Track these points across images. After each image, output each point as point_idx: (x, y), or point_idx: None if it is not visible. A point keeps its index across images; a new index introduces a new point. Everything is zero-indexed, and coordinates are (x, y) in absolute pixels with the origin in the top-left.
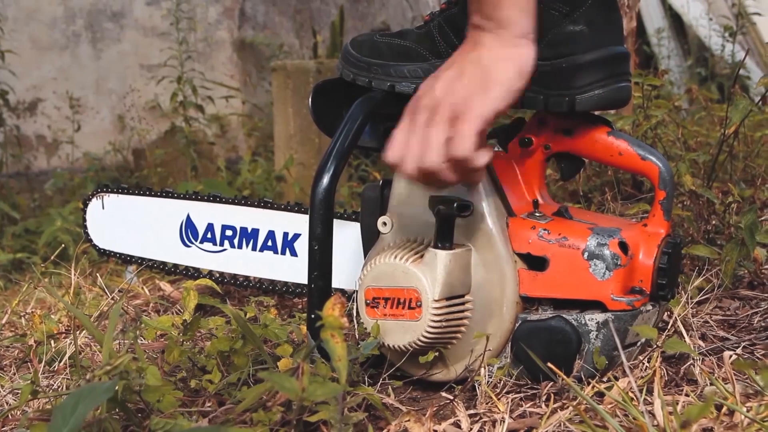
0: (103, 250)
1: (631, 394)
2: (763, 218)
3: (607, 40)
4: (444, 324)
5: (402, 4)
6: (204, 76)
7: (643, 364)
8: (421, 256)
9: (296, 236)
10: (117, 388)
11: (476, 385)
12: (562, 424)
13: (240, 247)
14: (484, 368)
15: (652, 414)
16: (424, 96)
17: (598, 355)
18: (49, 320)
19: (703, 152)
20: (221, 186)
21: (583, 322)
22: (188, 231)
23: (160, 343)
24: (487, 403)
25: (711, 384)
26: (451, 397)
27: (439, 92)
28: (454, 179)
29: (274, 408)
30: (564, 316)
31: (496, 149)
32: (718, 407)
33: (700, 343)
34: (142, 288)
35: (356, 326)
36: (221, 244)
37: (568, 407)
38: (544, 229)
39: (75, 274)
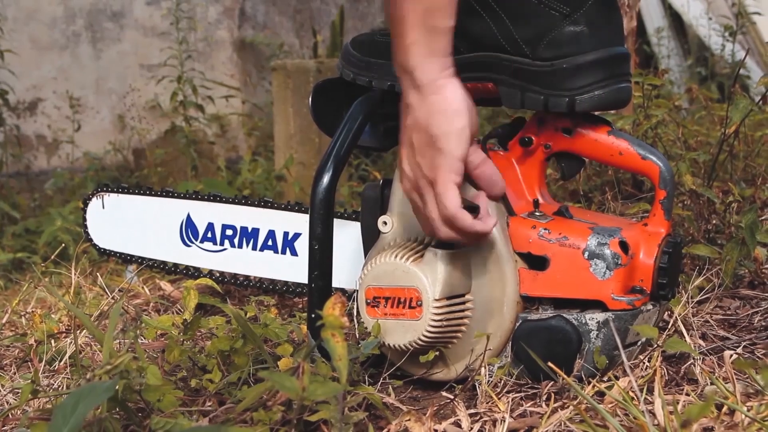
0: (104, 249)
1: (631, 394)
2: (763, 218)
3: (607, 41)
4: (444, 323)
5: None
6: (204, 75)
7: (644, 363)
8: (422, 256)
9: (296, 236)
10: (117, 387)
11: (477, 385)
12: (562, 423)
13: (240, 246)
14: (485, 368)
15: (652, 413)
16: (404, 182)
17: (598, 354)
18: (49, 320)
19: (704, 152)
20: (221, 186)
21: (583, 321)
22: (188, 230)
23: (160, 343)
24: (487, 403)
25: (711, 383)
26: (452, 397)
27: (410, 173)
28: (466, 242)
29: (274, 407)
30: (564, 315)
31: (496, 148)
32: (719, 407)
33: (701, 342)
34: (143, 287)
35: (356, 326)
36: (221, 244)
37: (568, 407)
38: (545, 229)
39: (75, 274)
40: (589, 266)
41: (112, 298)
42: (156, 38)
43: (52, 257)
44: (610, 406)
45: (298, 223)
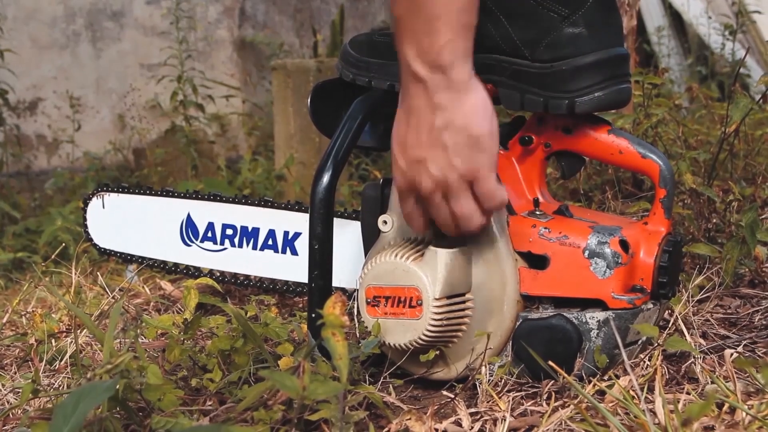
0: (104, 249)
1: (632, 393)
2: (763, 216)
3: (606, 42)
4: (445, 322)
5: None
6: (204, 75)
7: (644, 362)
8: (422, 255)
9: (297, 235)
10: (118, 387)
11: (477, 384)
12: (563, 422)
13: (240, 246)
14: (485, 367)
15: (653, 412)
16: (419, 183)
17: (599, 353)
18: (49, 319)
19: (704, 150)
20: (221, 185)
21: (584, 320)
22: (189, 230)
23: (160, 342)
24: (488, 402)
25: (712, 382)
26: (452, 396)
27: (439, 173)
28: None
29: (275, 407)
30: (565, 314)
31: None
32: (720, 405)
33: (701, 341)
34: (143, 287)
35: (357, 325)
36: (222, 243)
37: (569, 405)
38: (545, 228)
39: (75, 273)
40: (590, 265)
41: (113, 297)
42: (156, 38)
43: (53, 257)
44: (610, 404)
45: (299, 222)
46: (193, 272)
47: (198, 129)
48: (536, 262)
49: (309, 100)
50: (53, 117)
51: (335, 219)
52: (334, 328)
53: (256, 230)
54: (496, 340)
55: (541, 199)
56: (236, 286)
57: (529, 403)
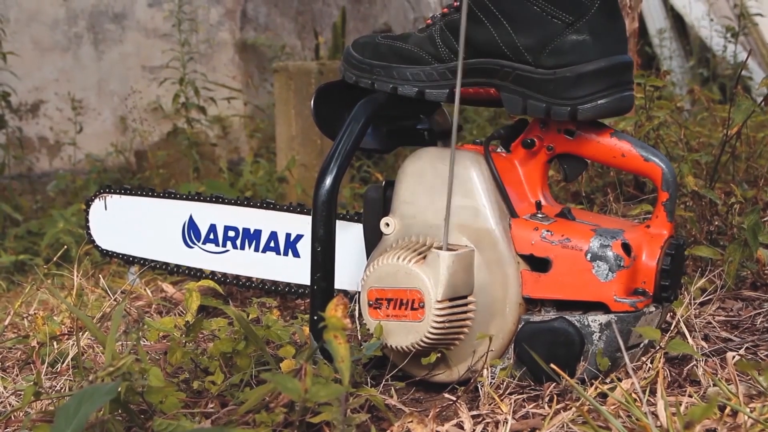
0: (106, 251)
1: (634, 395)
2: (765, 219)
3: (610, 49)
4: (447, 325)
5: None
6: (206, 77)
7: (646, 365)
8: (424, 257)
9: (299, 237)
10: (120, 389)
11: (479, 386)
12: (565, 425)
13: (242, 248)
14: (487, 369)
15: (655, 415)
16: None
17: (601, 356)
18: (51, 322)
19: (706, 153)
20: (223, 187)
21: (586, 323)
22: (191, 232)
23: (162, 345)
24: (489, 404)
25: (714, 385)
26: (454, 398)
27: None
28: None
29: (276, 409)
30: (567, 317)
31: (498, 150)
32: (722, 408)
33: (703, 344)
34: (145, 289)
35: (359, 327)
36: (224, 245)
37: (571, 408)
38: (547, 231)
39: (77, 276)
40: (592, 268)
41: (115, 300)
42: (158, 40)
43: (55, 259)
44: (612, 407)
45: (301, 224)
46: (195, 274)
47: (200, 131)
48: (538, 264)
49: (312, 102)
50: (55, 119)
51: (337, 221)
52: (336, 330)
53: (258, 232)
54: (498, 343)
55: (543, 202)
56: (238, 289)
57: (531, 406)
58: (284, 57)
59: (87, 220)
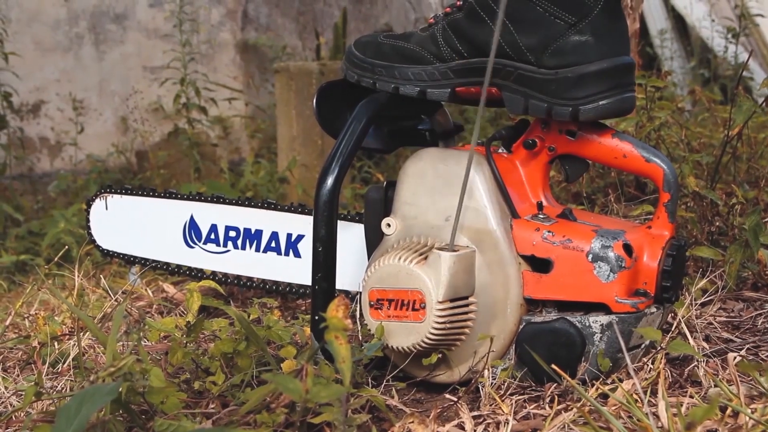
0: (107, 250)
1: (635, 396)
2: (767, 220)
3: (612, 51)
4: (448, 326)
5: (405, 6)
6: (207, 77)
7: (647, 365)
8: (425, 258)
9: (300, 237)
10: (121, 389)
11: (480, 387)
12: (566, 425)
13: (243, 248)
14: (488, 370)
15: (656, 416)
16: None
17: (602, 357)
18: (52, 322)
19: (707, 153)
20: (224, 188)
21: (587, 324)
22: (192, 232)
23: (163, 345)
24: (490, 405)
25: (715, 386)
26: (455, 399)
27: None
28: None
29: (277, 409)
30: (568, 318)
31: (500, 151)
32: (723, 409)
33: (704, 344)
34: (146, 290)
35: (360, 328)
36: (225, 245)
37: (572, 409)
38: (548, 231)
39: (78, 276)
40: (593, 269)
41: (116, 300)
42: (159, 40)
43: (56, 259)
44: (613, 408)
45: (302, 224)
46: (196, 274)
47: (201, 132)
48: (540, 265)
49: (314, 101)
50: (56, 119)
51: (338, 222)
52: (337, 331)
53: (259, 232)
54: (499, 344)
55: (544, 203)
56: (239, 289)
57: (532, 407)
58: (285, 57)
59: (88, 220)
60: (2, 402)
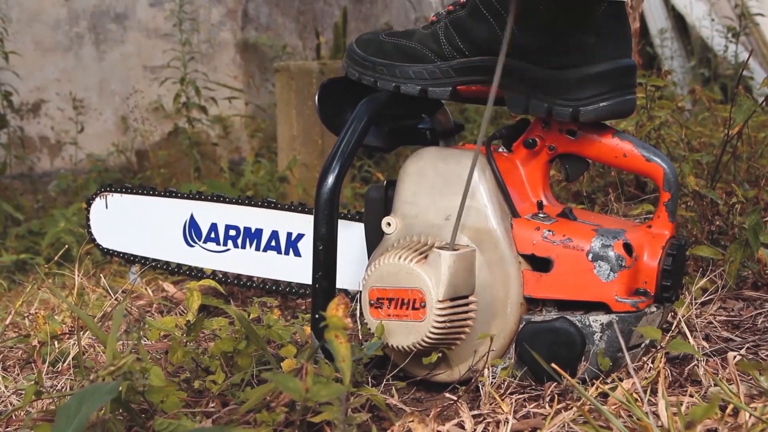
0: (107, 249)
1: (635, 395)
2: (767, 219)
3: (615, 53)
4: (448, 325)
5: (405, 6)
6: (207, 77)
7: (647, 365)
8: (426, 257)
9: (300, 236)
10: (121, 388)
11: (480, 386)
12: (565, 424)
13: (243, 247)
14: (488, 369)
15: (656, 415)
16: None
17: (602, 356)
18: (52, 321)
19: (707, 153)
20: (224, 187)
21: (587, 323)
22: (192, 231)
23: (163, 344)
24: (490, 404)
25: (715, 385)
26: (455, 398)
27: None
28: None
29: (277, 409)
30: (568, 317)
31: (500, 150)
32: (723, 408)
33: (704, 344)
34: (146, 289)
35: (360, 327)
36: (225, 244)
37: (572, 408)
38: (549, 230)
39: (78, 275)
40: (593, 268)
41: (116, 299)
42: (159, 40)
43: (56, 258)
44: (613, 407)
45: (302, 223)
46: (196, 273)
47: (201, 131)
48: (540, 264)
49: (316, 98)
50: (56, 119)
51: (339, 221)
52: (337, 330)
53: (259, 231)
54: (499, 343)
55: (545, 202)
56: (239, 288)
57: (532, 406)
58: (285, 57)
59: (88, 219)
60: (2, 401)
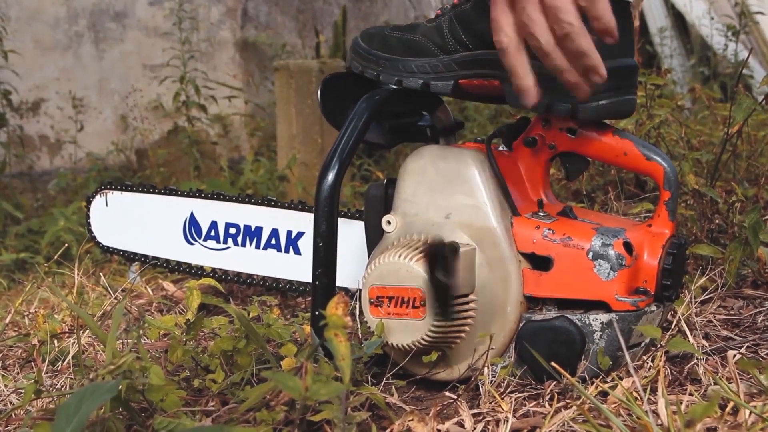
0: (107, 247)
1: (635, 394)
2: (766, 217)
3: (617, 52)
4: (448, 323)
5: (404, 4)
6: (207, 76)
7: (647, 363)
8: (426, 255)
9: (300, 234)
10: (120, 387)
11: (480, 385)
12: (565, 423)
13: (243, 245)
14: (488, 368)
15: (656, 413)
16: (537, 33)
17: (602, 355)
18: (52, 320)
19: (707, 151)
20: (224, 186)
21: (587, 322)
22: (192, 229)
23: (163, 343)
24: (490, 403)
25: (715, 383)
26: (455, 397)
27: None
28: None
29: (277, 407)
30: (568, 316)
31: (500, 148)
32: (722, 406)
33: (704, 342)
34: (145, 287)
35: (359, 325)
36: (225, 242)
37: (571, 407)
38: (549, 229)
39: (78, 274)
40: (593, 267)
41: (115, 298)
42: (159, 38)
43: (55, 257)
44: (613, 406)
45: (302, 221)
46: (196, 271)
47: (200, 130)
48: (540, 263)
49: (318, 93)
50: (56, 118)
51: (339, 219)
52: (337, 328)
53: (259, 229)
54: (499, 341)
55: (545, 201)
56: (239, 286)
57: (532, 405)
58: (285, 55)
59: (88, 217)
60: (2, 400)
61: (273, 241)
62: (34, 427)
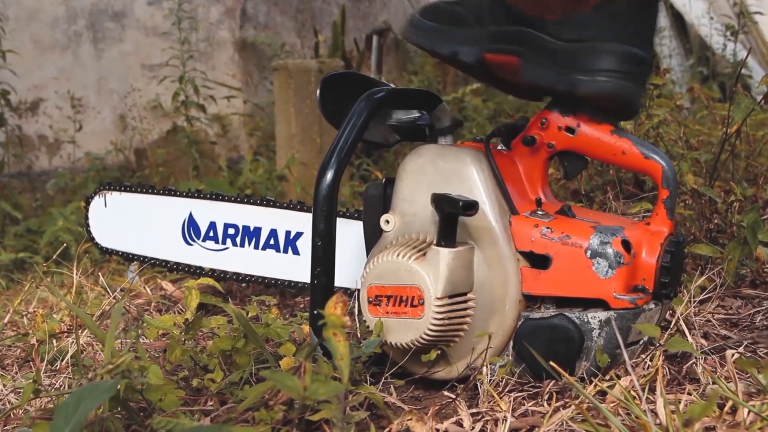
0: (105, 248)
1: (633, 393)
2: (765, 217)
3: (629, 39)
4: (446, 322)
5: (403, 4)
6: (206, 75)
7: (646, 362)
8: (424, 254)
9: (298, 235)
10: (119, 387)
11: (478, 384)
12: (564, 422)
13: (242, 245)
14: (486, 367)
15: (654, 412)
16: None
17: (600, 353)
18: (51, 319)
19: (705, 151)
20: (223, 186)
21: (585, 320)
22: (191, 229)
23: (162, 343)
24: (489, 402)
25: (713, 383)
26: (453, 396)
27: None
28: None
29: (276, 407)
30: (567, 314)
31: (499, 148)
32: (721, 406)
33: (703, 341)
34: (144, 287)
35: (358, 324)
36: (223, 243)
37: (570, 406)
38: (547, 228)
39: (77, 274)
40: (592, 265)
41: (114, 297)
42: (157, 38)
43: (54, 257)
44: (612, 405)
45: (300, 222)
46: (195, 271)
47: (199, 129)
48: (538, 261)
49: (318, 92)
50: (54, 117)
51: (337, 219)
52: (336, 328)
53: (258, 230)
54: (497, 340)
55: (543, 199)
56: (238, 286)
57: (531, 404)
58: (284, 55)
59: (87, 217)
60: (1, 399)
61: (272, 242)
62: (32, 426)
